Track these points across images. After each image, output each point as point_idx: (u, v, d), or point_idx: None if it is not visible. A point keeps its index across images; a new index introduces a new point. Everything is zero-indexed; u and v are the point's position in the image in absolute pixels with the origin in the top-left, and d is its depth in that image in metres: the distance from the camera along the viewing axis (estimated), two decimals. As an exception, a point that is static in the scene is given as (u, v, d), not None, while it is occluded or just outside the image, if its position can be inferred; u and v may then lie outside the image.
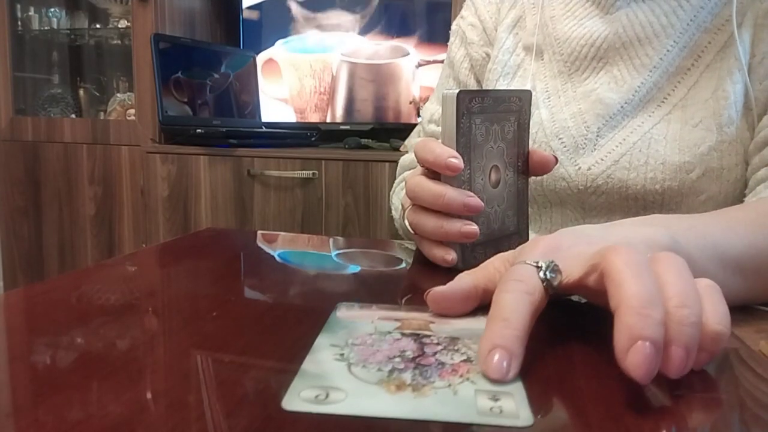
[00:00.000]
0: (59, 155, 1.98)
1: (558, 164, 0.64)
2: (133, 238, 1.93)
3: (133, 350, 0.29)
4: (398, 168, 0.84)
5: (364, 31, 1.98)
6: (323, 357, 0.28)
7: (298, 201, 1.71)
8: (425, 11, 1.93)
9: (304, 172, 1.69)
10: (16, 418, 0.22)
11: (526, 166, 0.49)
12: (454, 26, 0.80)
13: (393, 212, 0.83)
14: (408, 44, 1.94)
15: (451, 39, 0.80)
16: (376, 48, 1.97)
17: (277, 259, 0.52)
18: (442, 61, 0.83)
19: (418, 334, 0.31)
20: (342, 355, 0.28)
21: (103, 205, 1.95)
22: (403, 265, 0.51)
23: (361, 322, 0.32)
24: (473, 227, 0.43)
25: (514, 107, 0.47)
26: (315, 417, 0.22)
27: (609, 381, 0.26)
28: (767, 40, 0.58)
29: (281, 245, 0.59)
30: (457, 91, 0.43)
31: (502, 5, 0.75)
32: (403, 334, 0.31)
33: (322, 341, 0.30)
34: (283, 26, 2.06)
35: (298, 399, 0.24)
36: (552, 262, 0.31)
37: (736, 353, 0.31)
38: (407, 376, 0.26)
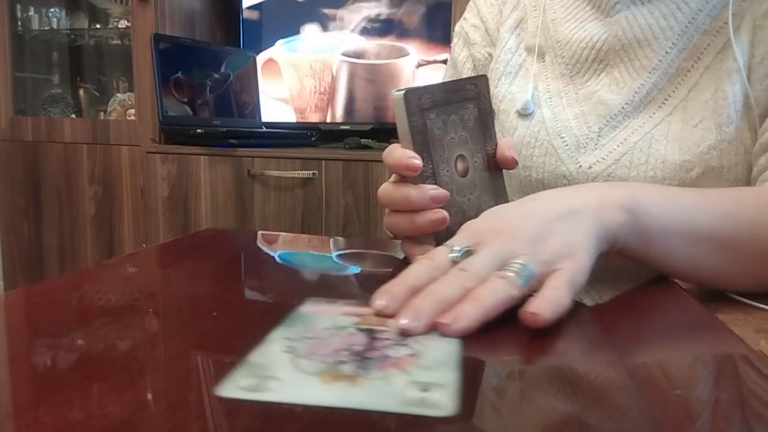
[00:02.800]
0: (59, 155, 1.98)
1: (560, 162, 0.65)
2: (133, 238, 1.93)
3: (133, 350, 0.29)
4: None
5: (364, 31, 1.98)
6: (273, 349, 0.28)
7: (298, 201, 1.71)
8: (426, 11, 1.93)
9: (304, 172, 1.69)
10: (16, 418, 0.22)
11: (495, 149, 0.49)
12: (457, 28, 0.81)
13: None
14: (408, 44, 1.94)
15: (454, 40, 0.80)
16: (376, 48, 1.97)
17: (278, 259, 0.52)
18: (442, 62, 0.83)
19: (372, 330, 0.31)
20: (291, 347, 0.28)
21: (103, 205, 1.95)
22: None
23: (322, 317, 0.33)
24: (441, 213, 0.43)
25: (470, 94, 0.46)
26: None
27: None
28: (767, 41, 0.59)
29: (281, 246, 0.59)
30: (403, 91, 0.42)
31: (504, 7, 0.75)
32: (359, 329, 0.31)
33: (276, 334, 0.30)
34: (284, 26, 2.06)
35: (234, 387, 0.24)
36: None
37: (736, 353, 0.31)
38: (347, 368, 0.26)
